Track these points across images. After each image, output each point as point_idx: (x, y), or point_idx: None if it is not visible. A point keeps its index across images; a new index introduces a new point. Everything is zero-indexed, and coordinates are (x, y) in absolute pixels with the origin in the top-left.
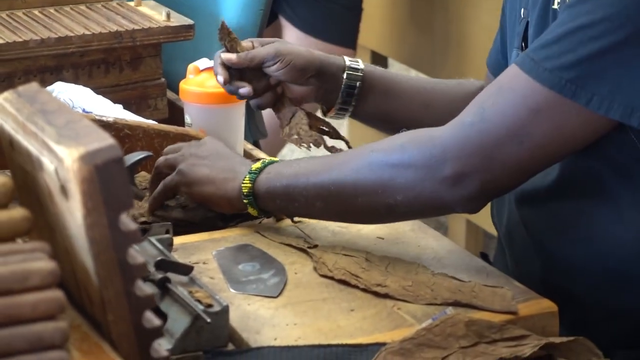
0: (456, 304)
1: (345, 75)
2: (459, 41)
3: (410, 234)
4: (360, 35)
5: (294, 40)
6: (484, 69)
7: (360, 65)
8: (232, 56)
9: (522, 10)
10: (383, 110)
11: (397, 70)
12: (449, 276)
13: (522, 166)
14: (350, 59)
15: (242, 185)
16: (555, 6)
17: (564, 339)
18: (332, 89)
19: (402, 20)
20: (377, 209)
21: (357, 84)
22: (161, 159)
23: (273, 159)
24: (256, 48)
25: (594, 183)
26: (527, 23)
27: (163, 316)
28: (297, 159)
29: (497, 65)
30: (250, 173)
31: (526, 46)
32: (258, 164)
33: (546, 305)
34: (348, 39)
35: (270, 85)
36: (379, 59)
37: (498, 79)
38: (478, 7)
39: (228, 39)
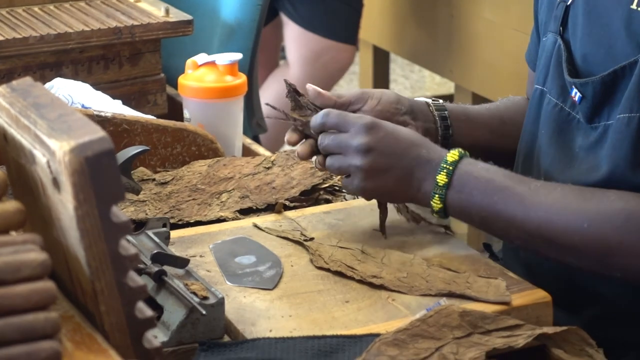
0: (450, 294)
1: (434, 108)
2: (461, 36)
3: (406, 226)
4: (362, 30)
5: (294, 36)
6: (487, 63)
7: (437, 100)
8: (321, 90)
9: None
10: (472, 135)
11: (400, 65)
12: (443, 267)
13: None
14: (424, 98)
15: (432, 203)
16: (635, 6)
17: (558, 328)
18: (427, 125)
19: (404, 15)
20: (590, 270)
21: (446, 113)
22: (323, 142)
23: (461, 153)
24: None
25: None
26: (567, 7)
27: (159, 309)
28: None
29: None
30: (437, 188)
31: (564, 31)
32: (443, 177)
33: (540, 295)
34: (349, 35)
35: None
36: (380, 54)
37: None
38: (480, 2)
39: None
